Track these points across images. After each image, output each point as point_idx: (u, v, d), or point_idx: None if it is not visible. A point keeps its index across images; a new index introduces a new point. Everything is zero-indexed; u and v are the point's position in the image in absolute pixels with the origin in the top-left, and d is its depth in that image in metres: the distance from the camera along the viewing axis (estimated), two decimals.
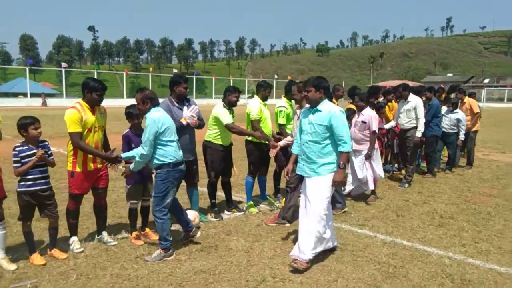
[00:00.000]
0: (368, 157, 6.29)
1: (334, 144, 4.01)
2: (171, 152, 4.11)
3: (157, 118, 4.02)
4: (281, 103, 5.98)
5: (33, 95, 42.36)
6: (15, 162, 3.83)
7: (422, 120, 7.31)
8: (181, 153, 4.28)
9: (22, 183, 3.86)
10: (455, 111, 8.70)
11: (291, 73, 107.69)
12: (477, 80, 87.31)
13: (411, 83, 71.68)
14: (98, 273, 3.81)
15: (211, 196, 5.68)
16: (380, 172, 6.60)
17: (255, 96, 5.98)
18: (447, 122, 8.70)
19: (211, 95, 64.80)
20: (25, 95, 43.50)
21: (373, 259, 4.22)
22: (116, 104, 34.87)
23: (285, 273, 3.85)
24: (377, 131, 6.38)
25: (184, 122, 4.83)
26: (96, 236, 4.58)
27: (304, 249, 3.92)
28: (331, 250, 4.31)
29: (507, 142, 14.75)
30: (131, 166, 4.18)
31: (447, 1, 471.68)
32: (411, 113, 7.33)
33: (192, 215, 5.02)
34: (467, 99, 9.72)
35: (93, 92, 4.17)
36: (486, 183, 7.91)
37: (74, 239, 4.33)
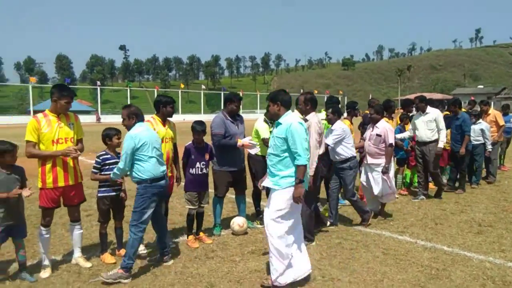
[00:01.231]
0: (386, 170, 6.04)
1: (293, 157, 3.86)
2: (149, 168, 4.08)
3: (135, 134, 4.06)
4: (321, 115, 6.34)
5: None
6: (95, 168, 4.37)
7: (444, 131, 7.25)
8: (162, 168, 4.23)
9: (103, 189, 4.36)
10: (478, 121, 8.72)
11: (316, 87, 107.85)
12: (510, 92, 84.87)
13: (440, 96, 69.76)
14: (164, 271, 4.23)
15: (256, 204, 6.06)
16: (394, 188, 6.35)
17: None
18: (471, 133, 8.54)
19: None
20: None
21: (415, 262, 4.47)
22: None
23: (333, 273, 4.17)
24: (393, 144, 6.18)
25: (239, 144, 5.27)
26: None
27: (272, 270, 3.83)
28: (306, 279, 4.00)
29: None
30: (111, 175, 4.22)
31: (476, 12, 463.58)
32: (432, 124, 7.24)
33: (241, 220, 5.44)
34: (491, 110, 9.74)
35: (167, 106, 4.76)
36: None
37: None
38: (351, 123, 6.99)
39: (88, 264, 4.33)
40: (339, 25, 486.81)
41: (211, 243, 5.08)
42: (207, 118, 4.61)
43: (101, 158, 4.39)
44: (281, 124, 3.95)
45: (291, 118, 3.96)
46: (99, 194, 4.41)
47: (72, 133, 4.21)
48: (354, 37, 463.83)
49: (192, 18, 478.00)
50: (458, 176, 8.29)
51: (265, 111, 5.95)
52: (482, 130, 8.69)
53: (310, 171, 4.79)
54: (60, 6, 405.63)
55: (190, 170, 4.97)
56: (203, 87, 65.78)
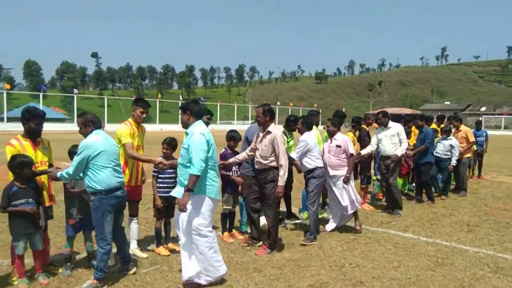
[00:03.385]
0: (347, 180, 6.11)
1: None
2: (103, 178, 4.00)
3: (91, 142, 3.98)
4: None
5: (46, 120, 43.39)
6: (154, 172, 4.97)
7: (405, 143, 7.55)
8: (118, 179, 4.15)
9: (161, 190, 4.96)
10: (448, 137, 9.21)
11: (290, 99, 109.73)
12: (474, 108, 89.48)
13: (409, 111, 72.37)
14: None
15: (287, 206, 6.84)
16: (357, 199, 6.35)
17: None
18: (441, 148, 9.10)
19: (214, 121, 66.30)
20: None
21: (422, 253, 5.29)
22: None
23: (357, 262, 4.92)
24: (354, 153, 6.30)
25: None
26: None
27: (189, 271, 4.06)
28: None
29: (510, 166, 15.91)
30: (59, 174, 4.12)
31: (442, 31, 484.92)
32: (395, 138, 7.49)
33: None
34: (463, 127, 10.23)
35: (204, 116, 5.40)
36: (499, 200, 9.00)
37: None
38: (355, 135, 7.84)
39: (144, 255, 4.90)
40: (311, 38, 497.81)
41: (242, 238, 5.74)
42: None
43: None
44: (187, 134, 4.14)
45: (196, 127, 4.10)
46: (159, 194, 4.99)
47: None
48: (326, 51, 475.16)
49: (166, 27, 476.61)
50: (423, 190, 8.58)
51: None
52: (451, 145, 9.07)
53: (282, 181, 5.00)
54: (28, 11, 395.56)
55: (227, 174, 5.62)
56: (180, 97, 65.95)
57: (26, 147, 4.14)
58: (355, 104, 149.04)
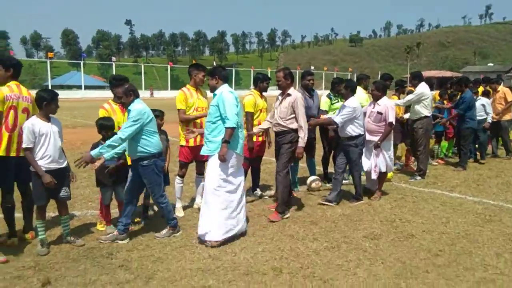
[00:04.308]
0: (377, 146, 5.97)
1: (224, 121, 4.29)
2: (156, 142, 4.31)
3: (143, 109, 4.19)
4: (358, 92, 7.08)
5: (87, 87, 45.09)
6: None
7: (400, 102, 7.50)
8: (161, 144, 4.48)
9: None
10: (478, 98, 8.95)
11: (324, 64, 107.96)
12: None
13: (449, 73, 69.39)
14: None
15: (324, 167, 7.08)
16: (387, 166, 6.12)
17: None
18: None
19: (247, 86, 66.51)
20: (79, 87, 46.26)
21: (470, 211, 5.51)
22: (161, 95, 37.05)
23: (407, 217, 5.22)
24: (394, 122, 6.01)
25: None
26: (251, 191, 6.11)
27: (212, 230, 4.25)
28: (243, 234, 4.54)
29: None
30: (103, 151, 4.13)
31: None
32: (415, 102, 7.39)
33: (313, 178, 6.46)
34: (501, 87, 9.76)
35: (263, 82, 5.70)
36: None
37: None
38: (399, 98, 7.92)
39: (181, 214, 5.36)
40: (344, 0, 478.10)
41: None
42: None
43: None
44: (216, 94, 4.45)
45: (222, 88, 4.45)
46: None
47: (206, 103, 5.13)
48: (361, 13, 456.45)
49: None
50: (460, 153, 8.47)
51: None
52: (483, 105, 8.84)
53: (302, 142, 5.11)
54: None
55: None
56: (214, 63, 66.20)
57: (116, 111, 4.71)
58: (391, 67, 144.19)
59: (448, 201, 6.00)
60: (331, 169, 6.89)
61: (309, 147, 6.56)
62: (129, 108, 4.20)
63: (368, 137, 6.04)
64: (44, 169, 3.94)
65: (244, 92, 48.17)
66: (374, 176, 6.06)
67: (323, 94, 7.04)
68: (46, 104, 4.00)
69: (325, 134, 6.82)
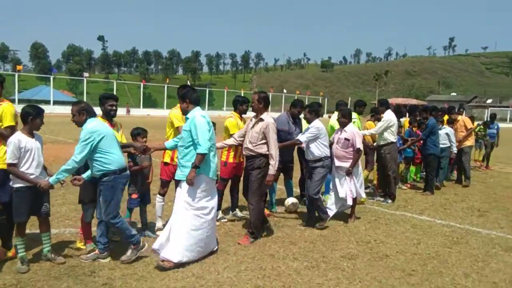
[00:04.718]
0: (349, 173, 6.10)
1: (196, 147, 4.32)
2: (115, 159, 4.18)
3: (93, 128, 4.08)
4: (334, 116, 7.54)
5: (56, 102, 44.08)
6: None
7: (373, 131, 7.76)
8: (124, 159, 4.38)
9: None
10: (443, 127, 9.35)
11: (296, 87, 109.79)
12: (480, 100, 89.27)
13: (415, 101, 71.66)
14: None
15: (301, 189, 7.28)
16: (360, 192, 6.35)
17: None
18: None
19: (220, 107, 66.76)
20: (47, 102, 45.12)
21: (439, 233, 5.82)
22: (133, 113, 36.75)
23: (381, 239, 5.45)
24: (361, 148, 6.21)
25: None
26: (231, 212, 6.21)
27: (174, 250, 4.22)
28: (214, 253, 4.62)
29: None
30: (60, 176, 4.06)
31: (450, 21, 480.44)
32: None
33: (291, 200, 6.64)
34: (460, 117, 10.54)
35: (243, 105, 5.88)
36: (507, 189, 9.50)
37: (219, 211, 5.93)
38: (375, 125, 8.29)
39: None
40: (317, 25, 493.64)
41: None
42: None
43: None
44: (188, 118, 4.45)
45: (195, 112, 4.42)
46: None
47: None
48: (332, 39, 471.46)
49: (172, 11, 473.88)
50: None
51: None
52: (447, 134, 9.19)
53: (272, 170, 5.04)
54: None
55: None
56: (188, 83, 66.31)
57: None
58: (360, 93, 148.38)
59: (418, 223, 6.30)
60: None
61: (287, 169, 6.77)
62: (81, 127, 4.15)
63: (337, 163, 6.20)
64: (27, 185, 3.96)
65: (217, 112, 48.15)
66: (350, 201, 6.17)
67: (332, 116, 7.30)
68: (32, 119, 4.04)
69: (303, 156, 7.04)
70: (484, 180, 10.76)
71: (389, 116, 7.72)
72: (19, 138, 3.98)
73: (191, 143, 4.32)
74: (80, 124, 4.18)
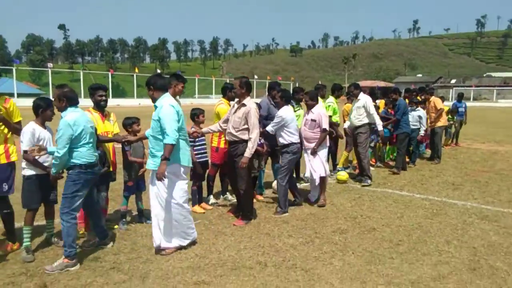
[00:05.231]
0: (314, 152, 6.18)
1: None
2: (83, 154, 3.98)
3: (72, 120, 3.88)
4: (330, 100, 7.94)
5: (20, 95, 42.46)
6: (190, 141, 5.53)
7: (375, 115, 7.85)
8: (95, 155, 4.16)
9: (197, 156, 5.59)
10: (417, 108, 9.69)
11: (266, 73, 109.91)
12: (445, 80, 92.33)
13: (383, 83, 73.47)
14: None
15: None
16: (325, 170, 6.30)
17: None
18: (410, 119, 9.19)
19: (192, 95, 66.13)
20: (11, 95, 43.45)
21: (420, 206, 6.20)
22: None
23: (366, 214, 5.78)
24: (327, 129, 6.25)
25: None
26: (221, 195, 6.39)
27: (161, 237, 4.27)
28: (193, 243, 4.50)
29: (482, 135, 17.29)
30: (53, 169, 4.02)
31: (414, 3, 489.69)
32: (361, 110, 7.73)
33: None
34: (432, 98, 10.87)
35: (231, 91, 5.96)
36: (477, 164, 10.08)
37: (211, 196, 6.10)
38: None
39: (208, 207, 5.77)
40: (285, 11, 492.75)
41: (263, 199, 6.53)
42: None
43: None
44: (157, 107, 4.23)
45: (163, 101, 4.19)
46: (199, 160, 5.62)
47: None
48: (300, 24, 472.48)
49: None
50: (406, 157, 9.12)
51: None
52: (419, 116, 9.45)
53: (251, 151, 5.08)
54: None
55: None
56: (158, 71, 65.18)
57: (97, 119, 4.72)
58: (330, 77, 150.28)
59: (399, 198, 6.67)
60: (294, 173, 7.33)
61: (274, 153, 6.98)
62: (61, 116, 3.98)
63: (307, 144, 6.26)
64: (37, 172, 4.18)
65: (189, 100, 47.41)
66: (317, 181, 6.22)
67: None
68: (42, 111, 4.26)
69: None
70: (455, 156, 11.34)
71: (366, 97, 8.00)
72: (34, 127, 4.19)
73: (160, 132, 4.16)
74: (60, 109, 4.01)
